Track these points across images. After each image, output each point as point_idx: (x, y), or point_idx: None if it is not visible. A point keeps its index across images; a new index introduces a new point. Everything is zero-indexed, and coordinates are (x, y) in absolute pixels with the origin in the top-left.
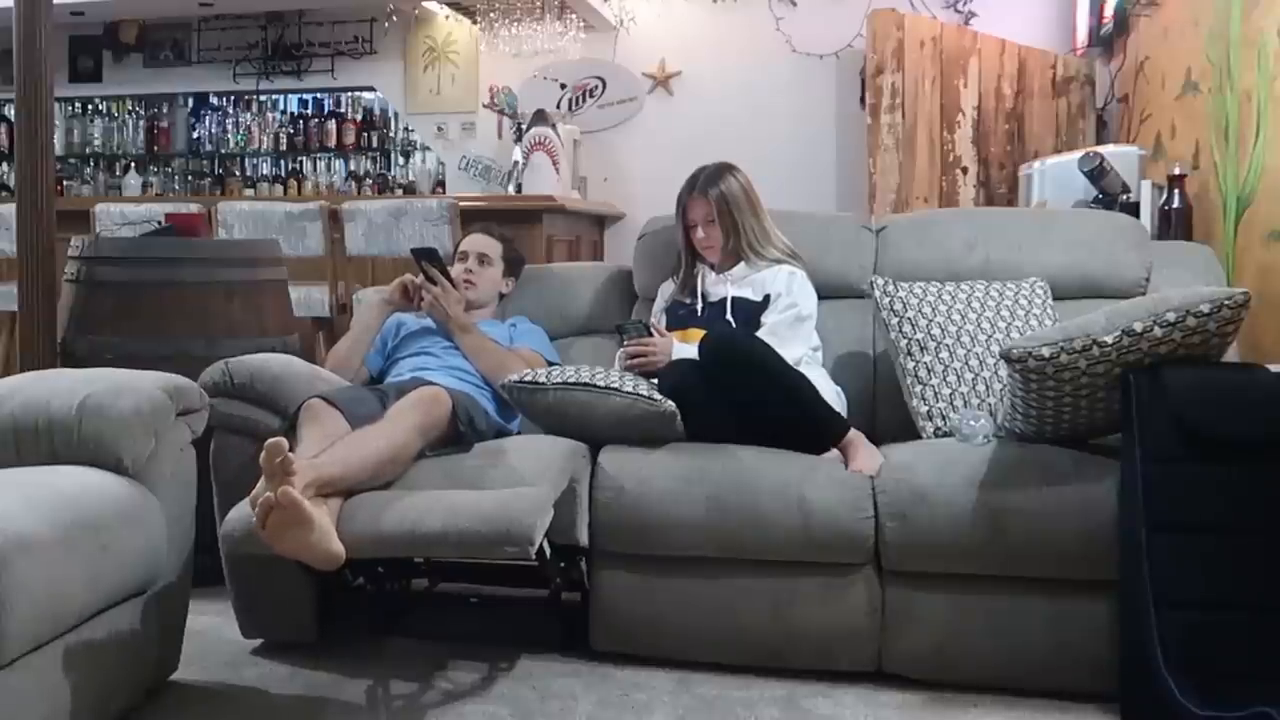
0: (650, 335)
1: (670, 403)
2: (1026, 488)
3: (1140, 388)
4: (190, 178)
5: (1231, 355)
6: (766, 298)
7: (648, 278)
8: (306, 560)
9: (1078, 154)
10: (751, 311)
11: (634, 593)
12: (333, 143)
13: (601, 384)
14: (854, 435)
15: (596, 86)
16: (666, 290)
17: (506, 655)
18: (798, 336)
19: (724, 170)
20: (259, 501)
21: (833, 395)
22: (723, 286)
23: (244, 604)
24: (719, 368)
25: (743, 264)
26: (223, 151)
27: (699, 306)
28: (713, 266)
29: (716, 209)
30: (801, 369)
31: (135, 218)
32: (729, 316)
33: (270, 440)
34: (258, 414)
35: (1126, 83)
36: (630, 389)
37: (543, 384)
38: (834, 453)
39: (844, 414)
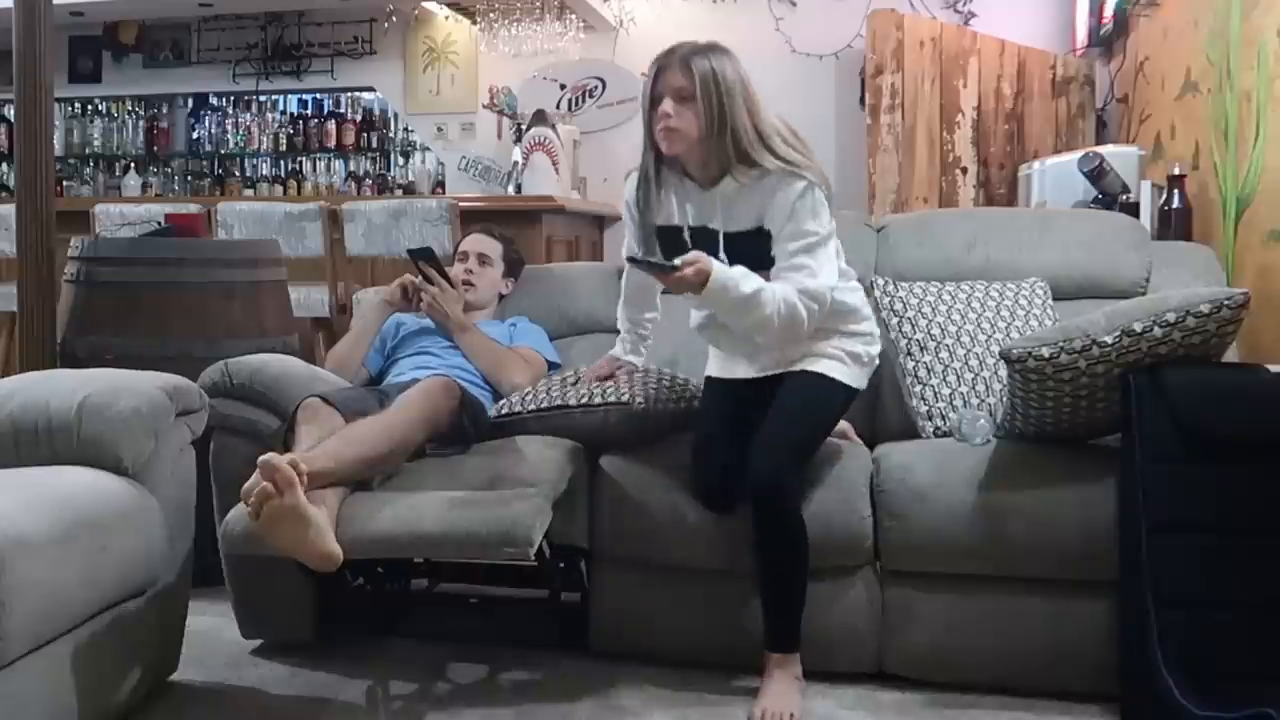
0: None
1: (640, 400)
2: (1026, 488)
3: (1140, 388)
4: (190, 178)
5: (1231, 355)
6: (766, 231)
7: None
8: (303, 559)
9: (1077, 154)
10: (751, 250)
11: (634, 593)
12: (332, 143)
13: (574, 403)
14: (787, 662)
15: (596, 87)
16: (633, 210)
17: (506, 655)
18: (820, 262)
19: (717, 47)
20: (254, 491)
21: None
22: (711, 212)
23: (244, 604)
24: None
25: (729, 179)
26: (222, 152)
27: (686, 234)
28: (693, 179)
29: (700, 87)
30: (841, 296)
31: (135, 218)
32: (722, 255)
33: (261, 459)
34: (257, 414)
35: (1126, 83)
36: (600, 400)
37: (519, 413)
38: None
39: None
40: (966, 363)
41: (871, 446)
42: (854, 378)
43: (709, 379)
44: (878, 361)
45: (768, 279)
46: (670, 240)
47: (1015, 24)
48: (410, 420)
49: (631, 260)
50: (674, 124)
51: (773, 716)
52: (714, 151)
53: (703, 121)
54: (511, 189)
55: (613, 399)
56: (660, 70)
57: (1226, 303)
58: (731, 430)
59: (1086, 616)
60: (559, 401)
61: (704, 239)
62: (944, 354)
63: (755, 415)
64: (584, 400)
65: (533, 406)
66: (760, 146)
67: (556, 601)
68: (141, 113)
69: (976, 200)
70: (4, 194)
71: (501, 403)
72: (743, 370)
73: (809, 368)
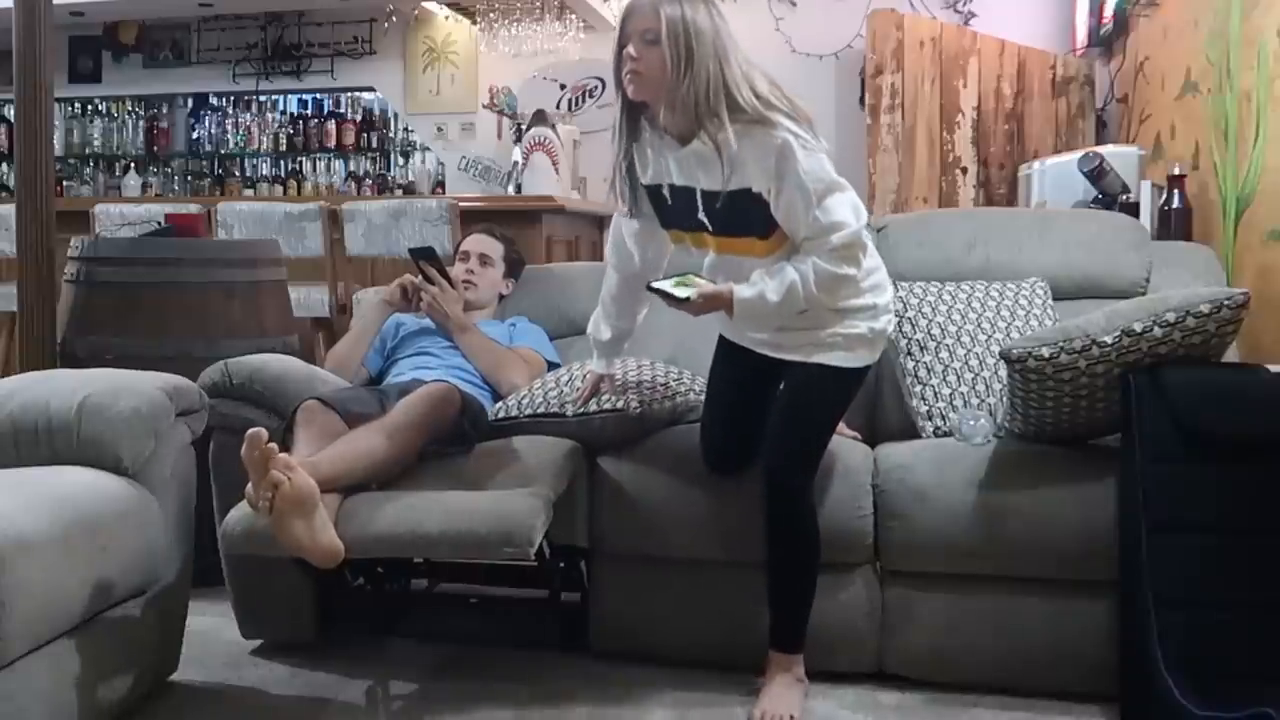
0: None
1: (636, 405)
2: (1026, 488)
3: (1140, 388)
4: (190, 178)
5: (1231, 355)
6: (753, 194)
7: None
8: (306, 553)
9: (1077, 154)
10: (735, 208)
11: (634, 593)
12: (332, 143)
13: (570, 413)
14: (789, 663)
15: (596, 87)
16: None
17: (506, 655)
18: (837, 213)
19: None
20: (266, 481)
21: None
22: (691, 171)
23: (244, 604)
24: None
25: (698, 142)
26: (222, 152)
27: (666, 190)
28: (671, 135)
29: (667, 29)
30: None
31: (135, 218)
32: (701, 216)
33: (250, 431)
34: (257, 415)
35: (1126, 83)
36: (596, 407)
37: (516, 417)
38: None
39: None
40: (966, 363)
41: (872, 446)
42: (860, 359)
43: (720, 336)
44: (891, 326)
45: (762, 239)
46: (655, 198)
47: (1015, 24)
48: (411, 427)
49: (648, 288)
50: (638, 67)
51: (772, 718)
52: (679, 100)
53: (669, 66)
54: (511, 189)
55: (608, 407)
56: (630, 14)
57: (1226, 303)
58: (733, 394)
59: (1086, 616)
60: (555, 409)
61: (686, 197)
62: (944, 354)
63: (752, 380)
64: (580, 410)
65: (529, 411)
66: (720, 98)
67: (556, 601)
68: (141, 113)
69: (976, 200)
70: (4, 194)
71: (498, 405)
72: (744, 340)
73: (811, 359)
